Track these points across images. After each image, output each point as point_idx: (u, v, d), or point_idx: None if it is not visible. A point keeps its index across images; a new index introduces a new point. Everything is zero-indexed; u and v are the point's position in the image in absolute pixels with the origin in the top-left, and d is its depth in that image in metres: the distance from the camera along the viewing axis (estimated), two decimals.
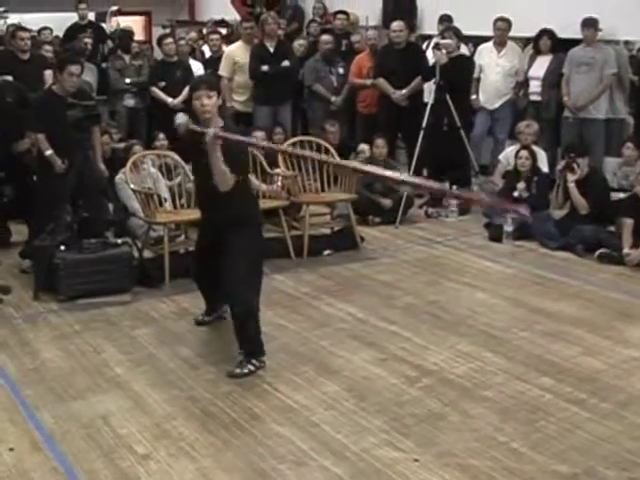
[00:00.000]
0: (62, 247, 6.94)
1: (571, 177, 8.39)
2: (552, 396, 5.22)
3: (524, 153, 9.02)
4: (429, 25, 11.85)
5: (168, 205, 7.92)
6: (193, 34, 12.70)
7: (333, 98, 10.93)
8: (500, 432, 4.78)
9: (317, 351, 5.94)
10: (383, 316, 6.57)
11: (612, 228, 8.29)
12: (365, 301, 6.91)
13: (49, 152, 7.35)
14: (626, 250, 7.75)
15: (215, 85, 5.76)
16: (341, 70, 11.00)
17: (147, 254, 7.60)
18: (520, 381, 5.43)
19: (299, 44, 11.54)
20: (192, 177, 5.99)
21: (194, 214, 7.64)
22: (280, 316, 6.61)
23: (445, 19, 11.02)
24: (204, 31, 13.16)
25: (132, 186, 7.60)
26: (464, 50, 10.36)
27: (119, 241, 7.29)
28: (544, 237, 8.44)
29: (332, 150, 8.50)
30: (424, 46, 10.98)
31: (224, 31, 12.86)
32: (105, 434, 4.79)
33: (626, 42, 10.61)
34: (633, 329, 6.31)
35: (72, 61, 7.48)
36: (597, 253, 7.95)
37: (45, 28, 12.34)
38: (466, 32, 10.62)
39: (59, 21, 13.23)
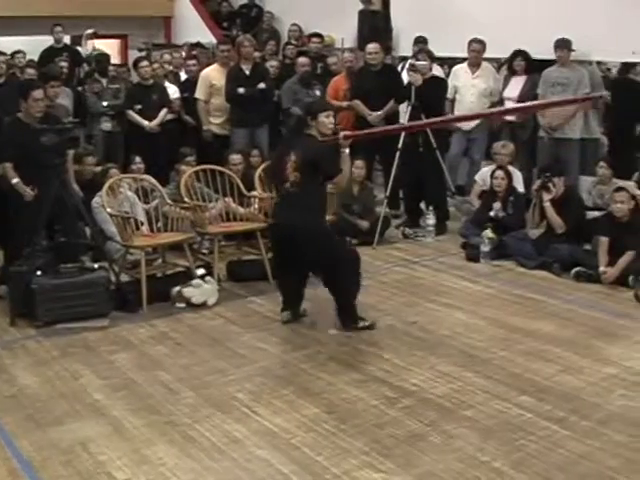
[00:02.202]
0: (39, 272, 6.89)
1: (547, 196, 8.44)
2: (532, 415, 5.23)
3: (500, 173, 9.07)
4: (405, 47, 11.93)
5: (145, 229, 7.90)
6: (167, 56, 12.69)
7: None
8: (481, 452, 4.78)
9: (297, 374, 5.92)
10: (363, 338, 6.56)
11: (588, 246, 8.33)
12: None
13: (15, 180, 7.32)
14: (602, 268, 7.79)
15: None
16: (318, 92, 11.01)
17: (124, 278, 7.57)
18: (500, 400, 5.43)
19: (271, 65, 11.55)
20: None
21: (171, 238, 7.67)
22: (259, 339, 6.59)
23: (421, 41, 11.08)
24: (183, 54, 13.16)
25: (109, 210, 7.57)
26: (436, 71, 10.40)
27: (96, 266, 7.27)
28: (521, 256, 8.47)
29: None
30: (399, 68, 11.04)
31: (201, 52, 12.86)
32: (84, 461, 4.74)
33: (599, 62, 10.72)
34: (611, 347, 6.34)
35: (34, 87, 7.47)
36: (574, 271, 7.99)
37: (18, 52, 12.26)
38: (441, 54, 10.71)
39: (34, 44, 13.18)
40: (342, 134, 6.59)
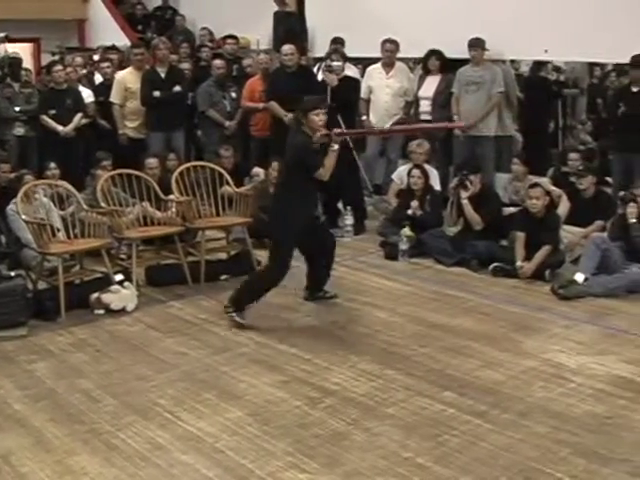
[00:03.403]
0: None
1: (464, 194, 8.54)
2: (454, 410, 5.29)
3: (416, 172, 9.16)
4: (320, 48, 11.96)
5: (62, 235, 7.78)
6: (79, 59, 12.52)
7: (227, 123, 10.91)
8: (405, 448, 4.82)
9: (219, 377, 5.90)
10: (283, 339, 6.56)
11: (505, 242, 8.46)
12: (265, 325, 6.89)
13: None
14: (519, 263, 7.91)
15: None
16: (234, 94, 11.00)
17: (42, 286, 7.45)
18: (422, 397, 5.48)
19: (184, 68, 11.48)
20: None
21: (88, 244, 7.57)
22: (180, 343, 6.55)
23: (339, 42, 11.11)
24: (95, 57, 13.00)
25: (24, 217, 7.43)
26: (350, 71, 10.44)
27: (12, 274, 7.14)
28: (439, 254, 8.56)
29: (226, 175, 8.49)
30: (315, 69, 11.05)
31: (115, 57, 12.71)
32: (5, 474, 4.66)
33: (512, 61, 10.90)
34: (529, 340, 6.46)
35: None
36: (491, 267, 8.11)
37: None
38: (356, 54, 10.75)
39: None
40: (335, 131, 6.85)
